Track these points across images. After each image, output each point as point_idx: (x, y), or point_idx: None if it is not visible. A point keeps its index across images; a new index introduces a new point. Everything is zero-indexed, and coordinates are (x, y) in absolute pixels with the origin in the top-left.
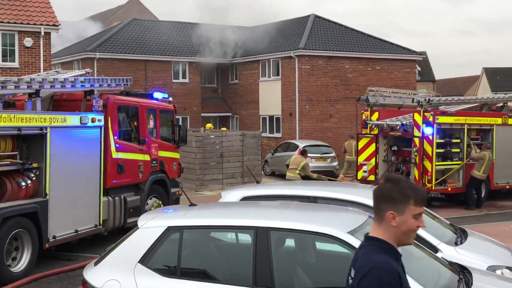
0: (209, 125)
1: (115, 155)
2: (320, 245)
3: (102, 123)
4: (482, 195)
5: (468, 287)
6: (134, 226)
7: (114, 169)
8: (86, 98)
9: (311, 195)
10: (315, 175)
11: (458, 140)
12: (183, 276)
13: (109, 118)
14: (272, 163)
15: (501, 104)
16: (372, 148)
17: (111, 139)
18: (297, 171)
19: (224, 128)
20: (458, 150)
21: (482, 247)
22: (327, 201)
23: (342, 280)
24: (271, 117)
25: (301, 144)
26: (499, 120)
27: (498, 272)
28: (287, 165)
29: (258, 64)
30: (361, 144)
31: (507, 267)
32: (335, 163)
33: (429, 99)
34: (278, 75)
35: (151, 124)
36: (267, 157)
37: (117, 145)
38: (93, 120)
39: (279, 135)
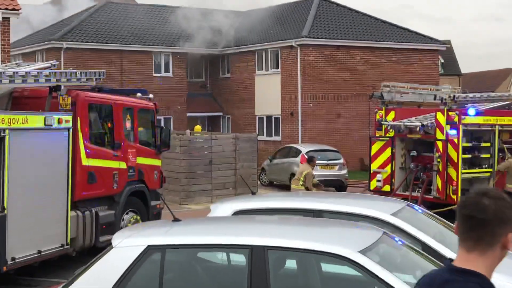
0: (198, 128)
1: (86, 162)
2: (326, 267)
3: (70, 124)
4: None
5: None
6: (107, 246)
7: (84, 178)
8: (51, 95)
9: (315, 208)
10: (314, 188)
11: (488, 144)
12: None
13: (79, 118)
14: (270, 171)
15: None
16: (387, 153)
17: (80, 143)
18: (300, 182)
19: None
20: (488, 155)
21: (509, 265)
22: (335, 216)
23: None
24: (269, 117)
25: (304, 148)
26: None
27: None
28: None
29: (254, 55)
30: (375, 148)
31: None
32: (345, 171)
33: (454, 96)
34: (277, 68)
35: (128, 125)
36: (264, 164)
37: (87, 150)
38: (59, 121)
39: (278, 138)
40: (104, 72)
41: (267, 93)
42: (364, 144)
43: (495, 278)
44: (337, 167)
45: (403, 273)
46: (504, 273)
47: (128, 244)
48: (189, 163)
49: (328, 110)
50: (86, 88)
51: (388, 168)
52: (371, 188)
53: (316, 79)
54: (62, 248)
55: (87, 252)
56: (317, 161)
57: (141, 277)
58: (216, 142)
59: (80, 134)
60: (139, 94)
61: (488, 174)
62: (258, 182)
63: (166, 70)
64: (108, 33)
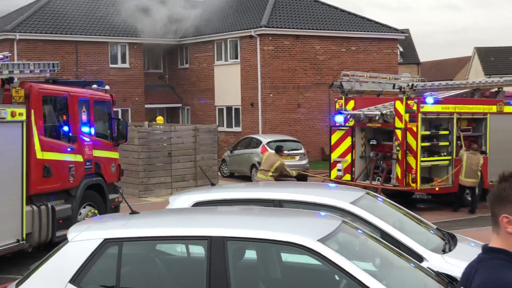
0: (160, 119)
1: (41, 155)
2: (287, 257)
3: (24, 117)
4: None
5: None
6: (64, 240)
7: (40, 172)
8: (3, 87)
9: (275, 198)
10: (294, 172)
11: (447, 132)
12: None
13: (33, 111)
14: (231, 162)
15: (496, 89)
16: (347, 142)
17: (35, 136)
18: (270, 173)
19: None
20: (446, 143)
21: (474, 254)
22: (295, 205)
23: None
24: (229, 108)
25: (265, 139)
26: (494, 108)
27: None
28: (259, 163)
29: (213, 45)
30: (335, 138)
31: None
32: (305, 161)
33: (412, 85)
34: (236, 58)
35: (84, 118)
36: (224, 156)
37: (42, 143)
38: (12, 114)
39: (238, 129)
40: (58, 64)
41: (227, 83)
42: (325, 134)
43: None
44: (297, 157)
45: (362, 261)
46: (464, 259)
47: (84, 238)
48: (148, 155)
49: (288, 100)
50: (40, 80)
51: (348, 157)
52: (332, 177)
53: (276, 69)
54: (17, 243)
55: (44, 248)
56: None
57: (98, 271)
58: (176, 134)
59: (34, 127)
60: (94, 86)
61: (447, 162)
62: (219, 173)
63: (123, 61)
64: (62, 24)
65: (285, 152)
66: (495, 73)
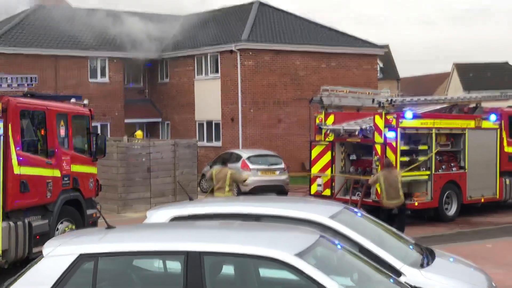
0: (139, 133)
1: (18, 170)
2: (265, 272)
3: (1, 131)
4: (452, 211)
5: None
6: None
7: (16, 187)
8: None
9: (253, 212)
10: (245, 175)
11: (426, 147)
12: None
13: (10, 125)
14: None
15: (474, 105)
16: (327, 157)
17: (12, 150)
18: (227, 188)
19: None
20: (425, 158)
21: (452, 269)
22: (273, 220)
23: None
24: (209, 123)
25: (245, 154)
26: (472, 123)
27: None
28: (211, 179)
29: (193, 59)
30: (315, 153)
31: None
32: (285, 176)
33: (391, 100)
34: (217, 72)
35: (62, 132)
36: (204, 171)
37: (19, 158)
38: None
39: (219, 144)
40: (37, 78)
41: (207, 98)
42: (305, 149)
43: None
44: (278, 172)
45: (340, 275)
46: (442, 274)
47: (59, 253)
48: (126, 170)
49: (268, 115)
50: (18, 94)
51: (328, 172)
52: (312, 192)
53: (256, 84)
54: None
55: (20, 264)
56: (258, 166)
57: (73, 287)
58: (155, 149)
59: (11, 142)
60: (73, 100)
61: (426, 177)
62: (198, 188)
63: (103, 75)
64: (41, 38)
65: (265, 167)
66: (474, 89)
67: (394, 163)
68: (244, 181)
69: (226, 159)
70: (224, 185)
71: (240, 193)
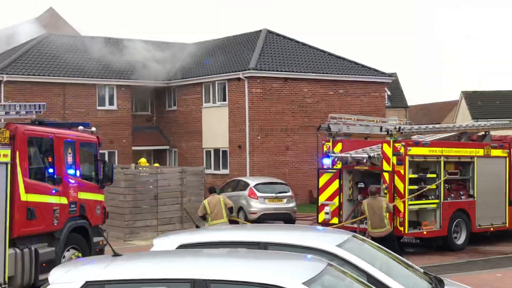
0: (143, 161)
1: (25, 197)
2: None
3: (8, 159)
4: (461, 240)
5: None
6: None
7: (23, 214)
8: None
9: (261, 240)
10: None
11: (434, 175)
12: None
13: (18, 152)
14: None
15: (483, 132)
16: (335, 185)
17: (19, 178)
18: (225, 214)
19: (156, 164)
20: (434, 186)
21: None
22: (281, 248)
23: None
24: (216, 150)
25: (253, 181)
26: (481, 152)
27: None
28: (204, 217)
29: (201, 87)
30: (323, 181)
31: None
32: (293, 204)
33: (399, 128)
34: (224, 100)
35: (70, 159)
36: None
37: (27, 185)
38: None
39: (226, 171)
40: (45, 105)
41: (215, 126)
42: (313, 177)
43: None
44: (285, 200)
45: None
46: None
47: (65, 280)
48: (134, 197)
49: (276, 142)
50: (26, 121)
51: (336, 200)
52: (319, 220)
53: (264, 112)
54: None
55: None
56: (265, 194)
57: None
58: (162, 176)
59: (19, 169)
60: (81, 127)
61: (434, 206)
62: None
63: (111, 103)
64: (50, 66)
65: (273, 195)
66: (482, 117)
67: (402, 191)
68: (231, 207)
69: (213, 188)
70: (221, 211)
71: (247, 221)
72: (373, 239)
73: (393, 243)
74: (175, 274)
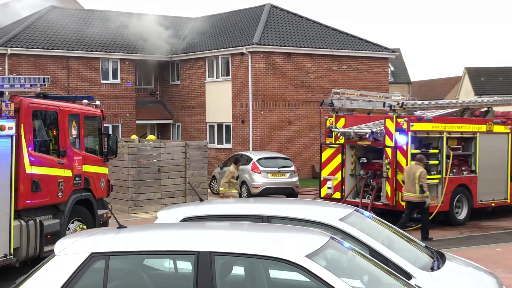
0: (151, 137)
1: (29, 170)
2: (275, 273)
3: (13, 131)
4: (463, 215)
5: None
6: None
7: (28, 187)
8: None
9: (264, 214)
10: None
11: (437, 151)
12: None
13: (22, 125)
14: (221, 179)
15: (486, 108)
16: (337, 160)
17: (24, 151)
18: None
19: (151, 136)
20: (436, 162)
21: (462, 273)
22: (284, 221)
23: None
24: (219, 125)
25: (255, 156)
26: (483, 127)
27: None
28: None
29: (204, 62)
30: (325, 155)
31: None
32: (295, 179)
33: (402, 103)
34: (228, 75)
35: (74, 132)
36: (214, 172)
37: (32, 158)
38: (2, 128)
39: (229, 146)
40: (49, 78)
41: (218, 100)
42: (315, 152)
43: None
44: (288, 175)
45: (350, 277)
46: (452, 278)
47: (70, 252)
48: (137, 171)
49: (279, 117)
50: (30, 94)
51: (338, 175)
52: (322, 195)
53: (267, 87)
54: (4, 258)
55: (31, 263)
56: (268, 168)
57: (84, 286)
58: (166, 150)
59: (23, 142)
60: (85, 101)
61: (436, 181)
62: (209, 190)
63: (114, 77)
64: (54, 39)
65: (275, 169)
66: (485, 93)
67: (405, 166)
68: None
69: (237, 159)
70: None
71: (250, 195)
72: (407, 203)
73: (423, 212)
74: (180, 246)
